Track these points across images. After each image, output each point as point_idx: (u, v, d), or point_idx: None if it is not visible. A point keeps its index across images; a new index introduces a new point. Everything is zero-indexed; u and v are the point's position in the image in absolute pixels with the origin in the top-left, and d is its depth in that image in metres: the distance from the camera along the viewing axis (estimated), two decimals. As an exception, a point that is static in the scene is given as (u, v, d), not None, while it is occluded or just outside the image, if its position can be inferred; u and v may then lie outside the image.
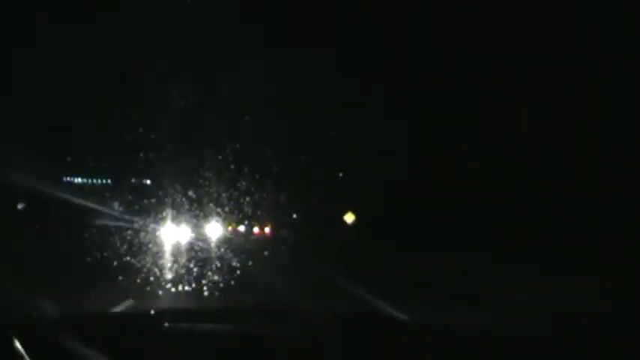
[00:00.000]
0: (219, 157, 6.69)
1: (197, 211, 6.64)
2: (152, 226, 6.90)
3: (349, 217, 15.27)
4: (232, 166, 6.68)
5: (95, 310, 4.42)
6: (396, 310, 4.48)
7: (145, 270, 6.21)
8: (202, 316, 2.69)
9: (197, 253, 7.01)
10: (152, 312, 2.81)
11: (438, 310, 4.85)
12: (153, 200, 6.97)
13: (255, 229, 14.15)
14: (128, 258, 6.38)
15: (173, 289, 5.90)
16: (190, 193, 6.53)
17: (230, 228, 9.12)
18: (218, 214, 6.92)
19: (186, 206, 6.62)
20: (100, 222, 8.59)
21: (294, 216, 13.51)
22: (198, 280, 6.23)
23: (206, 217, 6.84)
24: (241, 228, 12.87)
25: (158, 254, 6.79)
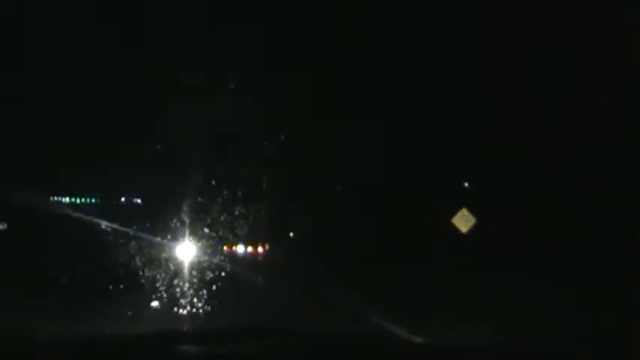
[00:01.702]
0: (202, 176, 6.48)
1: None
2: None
3: (463, 221, 9.19)
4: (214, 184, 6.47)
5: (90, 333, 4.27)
6: (409, 332, 4.20)
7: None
8: (195, 338, 2.60)
9: None
10: (144, 334, 2.75)
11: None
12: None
13: (249, 249, 13.39)
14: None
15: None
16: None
17: (225, 248, 8.89)
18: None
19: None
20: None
21: (291, 234, 12.78)
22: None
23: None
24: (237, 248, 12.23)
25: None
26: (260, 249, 12.52)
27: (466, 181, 11.93)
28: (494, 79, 10.44)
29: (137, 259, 6.16)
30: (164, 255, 6.35)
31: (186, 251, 6.55)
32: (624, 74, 9.04)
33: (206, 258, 6.66)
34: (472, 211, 11.43)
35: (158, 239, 6.35)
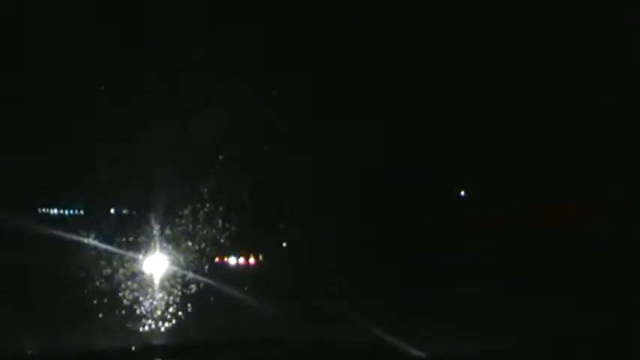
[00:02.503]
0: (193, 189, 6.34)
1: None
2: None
3: None
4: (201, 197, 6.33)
5: (79, 348, 4.22)
6: (409, 344, 4.06)
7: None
8: (179, 351, 2.55)
9: None
10: (134, 348, 2.70)
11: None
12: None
13: (241, 260, 12.64)
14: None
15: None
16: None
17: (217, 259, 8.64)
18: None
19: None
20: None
21: (284, 244, 12.37)
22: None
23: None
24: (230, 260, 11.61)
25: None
26: (252, 260, 11.98)
27: (466, 182, 11.93)
28: (494, 79, 10.42)
29: (120, 271, 6.08)
30: (149, 266, 6.25)
31: (173, 262, 6.43)
32: (624, 74, 9.03)
33: (194, 270, 6.50)
34: (470, 211, 11.44)
35: (144, 251, 6.25)
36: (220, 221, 6.26)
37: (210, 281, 6.42)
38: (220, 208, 6.20)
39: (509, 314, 5.88)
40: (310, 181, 11.27)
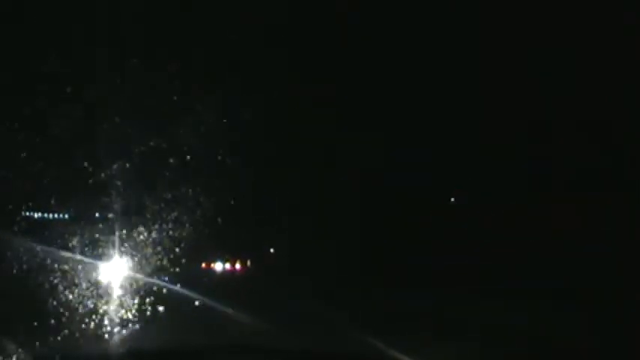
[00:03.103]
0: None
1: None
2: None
3: None
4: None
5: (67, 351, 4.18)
6: (408, 347, 4.03)
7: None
8: (175, 357, 2.53)
9: None
10: (125, 352, 2.69)
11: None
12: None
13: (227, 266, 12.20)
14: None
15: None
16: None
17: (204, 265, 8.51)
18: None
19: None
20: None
21: (272, 250, 12.08)
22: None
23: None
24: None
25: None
26: (238, 265, 11.66)
27: (465, 182, 11.92)
28: (494, 79, 10.42)
29: (100, 278, 6.00)
30: (132, 271, 6.17)
31: (157, 269, 6.33)
32: (624, 74, 9.03)
33: (181, 277, 6.38)
34: (470, 211, 11.46)
35: (124, 257, 6.16)
36: (212, 226, 6.19)
37: (199, 288, 6.36)
38: (213, 213, 6.13)
39: (509, 315, 5.86)
40: (309, 181, 11.24)
